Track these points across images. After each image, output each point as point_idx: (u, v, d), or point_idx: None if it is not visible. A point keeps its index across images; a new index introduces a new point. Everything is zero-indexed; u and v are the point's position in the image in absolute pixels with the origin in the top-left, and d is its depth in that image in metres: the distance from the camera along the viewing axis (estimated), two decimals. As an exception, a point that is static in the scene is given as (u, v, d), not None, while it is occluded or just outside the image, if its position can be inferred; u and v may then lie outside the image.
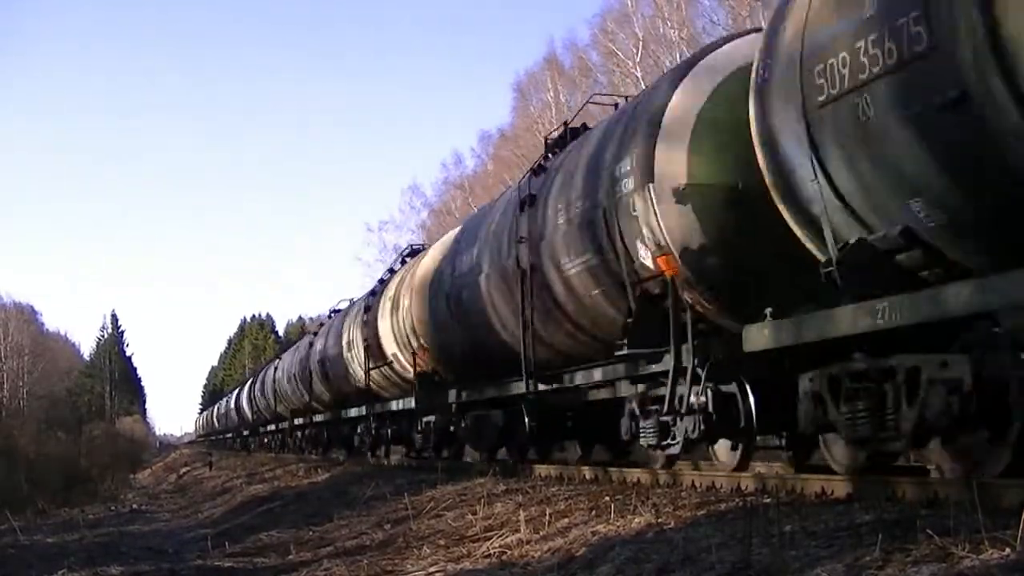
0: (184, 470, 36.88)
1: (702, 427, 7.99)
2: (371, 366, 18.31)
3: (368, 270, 50.37)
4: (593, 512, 7.17)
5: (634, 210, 8.18)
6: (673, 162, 7.98)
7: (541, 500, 8.31)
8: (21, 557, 10.17)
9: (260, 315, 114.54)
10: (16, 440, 29.00)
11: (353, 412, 21.17)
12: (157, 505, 21.03)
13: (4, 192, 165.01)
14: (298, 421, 28.15)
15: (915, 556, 4.12)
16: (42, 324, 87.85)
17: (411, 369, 15.86)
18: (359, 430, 21.16)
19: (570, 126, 11.18)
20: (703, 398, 7.96)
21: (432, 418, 15.57)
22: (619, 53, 31.06)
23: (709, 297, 8.05)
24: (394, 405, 17.47)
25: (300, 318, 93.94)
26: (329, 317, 26.40)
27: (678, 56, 26.07)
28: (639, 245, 8.26)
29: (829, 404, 6.61)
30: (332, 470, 18.41)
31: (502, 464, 12.36)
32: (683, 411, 8.09)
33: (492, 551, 6.60)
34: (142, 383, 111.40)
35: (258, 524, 12.02)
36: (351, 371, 20.38)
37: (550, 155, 11.14)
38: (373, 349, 18.20)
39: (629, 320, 8.54)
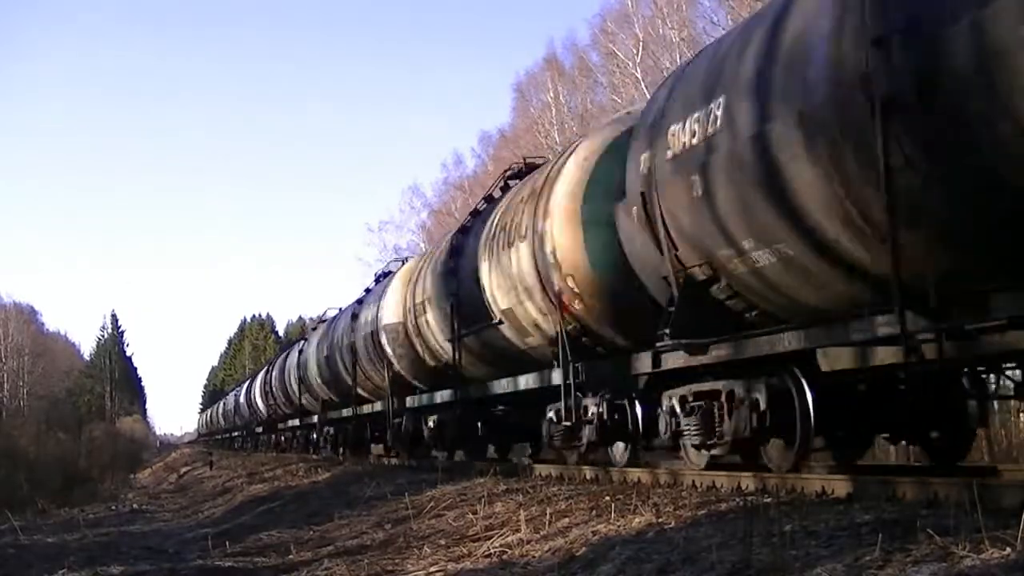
0: (184, 470, 36.89)
1: None
2: (462, 332, 12.97)
3: (369, 270, 50.24)
4: (593, 512, 7.18)
5: None
6: None
7: (541, 500, 8.32)
8: (21, 557, 10.18)
9: (260, 315, 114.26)
10: (16, 440, 29.06)
11: (427, 399, 15.61)
12: (157, 505, 21.02)
13: (4, 192, 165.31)
14: (334, 415, 23.26)
15: (915, 556, 4.12)
16: (42, 324, 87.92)
17: (545, 327, 10.63)
18: (431, 423, 15.56)
19: None
20: None
21: (587, 401, 9.95)
22: (619, 54, 30.99)
23: None
24: (527, 381, 11.52)
25: (300, 318, 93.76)
26: (377, 282, 20.23)
27: (678, 57, 26.00)
28: None
29: None
30: (332, 470, 18.42)
31: (502, 464, 12.22)
32: None
33: (492, 551, 6.61)
34: (142, 383, 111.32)
35: (258, 524, 12.04)
36: (423, 342, 15.01)
37: None
38: (470, 304, 12.50)
39: None
